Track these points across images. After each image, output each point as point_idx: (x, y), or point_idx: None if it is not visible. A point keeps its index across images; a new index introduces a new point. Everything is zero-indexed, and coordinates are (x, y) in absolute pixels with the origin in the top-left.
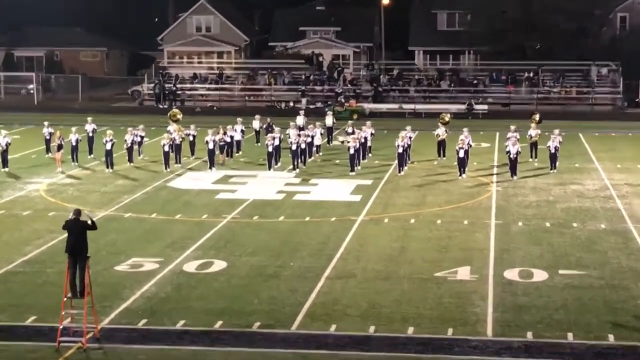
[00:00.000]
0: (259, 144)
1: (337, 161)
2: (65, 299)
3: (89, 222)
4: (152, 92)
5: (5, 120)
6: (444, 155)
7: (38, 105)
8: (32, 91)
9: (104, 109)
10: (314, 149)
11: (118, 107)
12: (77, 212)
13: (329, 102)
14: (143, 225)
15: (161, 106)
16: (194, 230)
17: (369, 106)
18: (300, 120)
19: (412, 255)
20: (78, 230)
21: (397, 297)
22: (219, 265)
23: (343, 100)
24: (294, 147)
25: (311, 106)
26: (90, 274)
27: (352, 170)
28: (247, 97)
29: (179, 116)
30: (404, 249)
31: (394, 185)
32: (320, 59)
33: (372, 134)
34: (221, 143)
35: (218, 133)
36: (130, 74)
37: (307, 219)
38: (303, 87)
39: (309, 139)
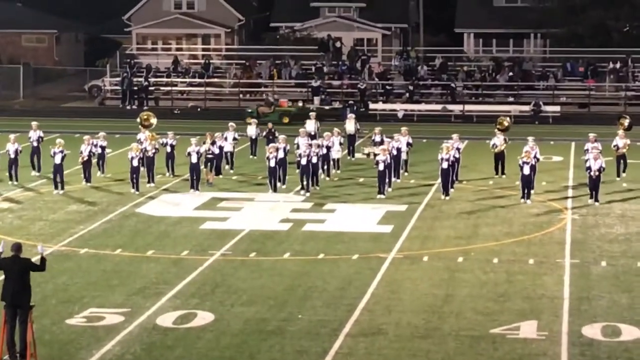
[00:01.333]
0: (256, 157)
1: (361, 180)
2: None
3: (36, 260)
4: (116, 88)
5: None
6: (502, 173)
7: None
8: None
9: (54, 110)
10: (331, 163)
11: (72, 108)
12: (17, 248)
13: (349, 102)
14: (104, 265)
15: (129, 107)
16: (171, 272)
17: (402, 107)
18: (311, 125)
19: (460, 305)
20: (18, 272)
21: None
22: (203, 318)
23: (271, 98)
24: (303, 161)
25: (327, 107)
26: (34, 329)
27: (381, 192)
28: (241, 95)
29: (153, 120)
30: (449, 297)
31: (437, 212)
32: (339, 44)
33: (408, 144)
34: (208, 155)
35: (204, 142)
36: (88, 65)
37: (321, 256)
38: (316, 82)
39: (324, 151)
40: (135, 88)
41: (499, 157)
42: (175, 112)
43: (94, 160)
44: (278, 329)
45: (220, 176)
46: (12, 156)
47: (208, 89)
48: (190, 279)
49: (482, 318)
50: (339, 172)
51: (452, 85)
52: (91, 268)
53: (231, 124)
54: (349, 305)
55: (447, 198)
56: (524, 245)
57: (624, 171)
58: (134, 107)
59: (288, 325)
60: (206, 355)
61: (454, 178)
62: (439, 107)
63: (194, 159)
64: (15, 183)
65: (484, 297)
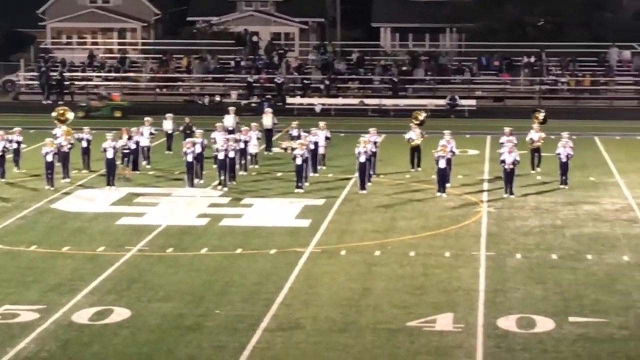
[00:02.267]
0: (172, 152)
1: (279, 174)
2: None
3: None
4: (31, 82)
5: None
6: (418, 166)
7: None
8: None
9: None
10: (248, 158)
11: None
12: None
13: (267, 96)
14: (18, 262)
15: (44, 102)
16: (87, 268)
17: (319, 101)
18: (229, 120)
19: (378, 299)
20: None
21: (358, 354)
22: (120, 314)
23: (103, 92)
24: (220, 155)
25: (244, 102)
26: None
27: (299, 186)
28: (158, 90)
29: (68, 115)
30: (366, 290)
31: (354, 206)
32: (256, 38)
33: (326, 138)
34: (124, 151)
35: (120, 138)
36: (2, 59)
37: (239, 251)
38: (252, 77)
39: (241, 145)
40: (52, 83)
41: (415, 151)
42: None
43: (9, 156)
44: (195, 325)
45: (137, 172)
46: None
47: (124, 83)
48: (106, 275)
49: (399, 311)
50: (256, 166)
51: (370, 78)
52: (5, 265)
53: (147, 118)
54: (266, 300)
55: (365, 192)
56: (441, 239)
57: (538, 165)
58: (49, 102)
59: (205, 320)
60: (123, 352)
61: (371, 172)
62: (356, 101)
63: (110, 155)
64: None
65: (401, 291)
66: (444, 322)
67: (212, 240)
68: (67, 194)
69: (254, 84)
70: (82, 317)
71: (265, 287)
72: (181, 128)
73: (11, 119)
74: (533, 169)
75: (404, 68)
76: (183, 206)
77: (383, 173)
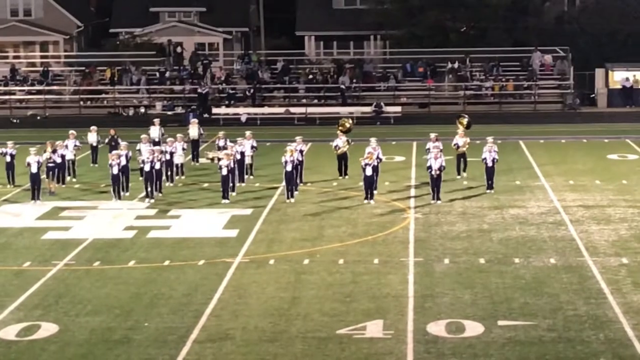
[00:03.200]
0: (97, 165)
1: (205, 185)
2: None
3: None
4: None
5: None
6: (345, 174)
7: None
8: None
9: None
10: (174, 169)
11: None
12: None
13: (192, 107)
14: None
15: None
16: (13, 284)
17: (245, 111)
18: (154, 131)
19: (307, 307)
20: None
21: None
22: (47, 329)
23: None
24: (146, 167)
25: (169, 112)
26: None
27: (226, 197)
28: (82, 102)
29: None
30: (296, 299)
31: (282, 215)
32: (179, 49)
33: (252, 147)
34: (49, 164)
35: (45, 151)
36: None
37: (167, 262)
38: (203, 89)
39: (167, 157)
40: None
41: (342, 159)
42: (14, 121)
43: None
44: (124, 338)
45: (63, 185)
46: None
47: (48, 96)
48: (33, 290)
49: (329, 319)
50: (183, 177)
51: (295, 87)
52: None
53: (72, 131)
54: (195, 311)
55: (292, 201)
56: (369, 246)
57: (464, 169)
58: None
59: (134, 333)
60: None
61: (298, 181)
62: (281, 110)
63: (34, 169)
64: None
65: (330, 298)
66: (374, 329)
67: (140, 252)
68: None
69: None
70: (9, 333)
71: (194, 298)
72: (106, 140)
73: None
74: (459, 174)
75: (330, 76)
76: (109, 219)
77: (310, 181)
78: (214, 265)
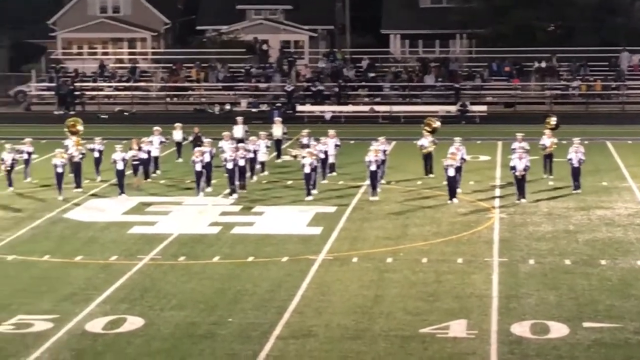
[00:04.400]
0: (182, 160)
1: (289, 182)
2: None
3: None
4: (42, 93)
5: None
6: (430, 173)
7: None
8: None
9: None
10: (258, 167)
11: None
12: None
13: (277, 104)
14: (31, 271)
15: (56, 112)
16: (100, 277)
17: (329, 109)
18: (238, 130)
19: (390, 305)
20: None
21: None
22: (133, 323)
23: None
24: (229, 165)
25: (254, 109)
26: None
27: (309, 194)
28: (168, 99)
29: (79, 127)
30: (379, 297)
31: (365, 214)
32: (265, 47)
33: (336, 146)
34: (134, 162)
35: (130, 148)
36: (13, 70)
37: (251, 259)
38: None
39: (250, 155)
40: (63, 93)
41: (428, 158)
42: (102, 117)
43: (20, 167)
44: (208, 333)
45: (149, 180)
46: None
47: (135, 93)
48: (119, 284)
49: (412, 318)
50: (266, 174)
51: (380, 85)
52: (19, 275)
53: (156, 128)
54: (279, 307)
55: (376, 198)
56: (453, 245)
57: (550, 170)
58: (61, 112)
59: (218, 328)
60: (137, 359)
61: (380, 180)
62: (366, 108)
63: (120, 166)
64: None
65: (414, 297)
66: (457, 328)
67: (224, 248)
68: (78, 204)
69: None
70: (96, 326)
71: (278, 294)
72: (190, 138)
73: (23, 130)
74: (545, 174)
75: (415, 74)
76: (195, 215)
77: (394, 180)
78: (298, 262)
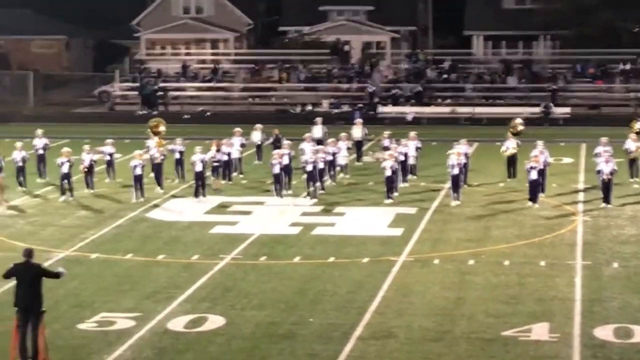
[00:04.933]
0: (262, 162)
1: (370, 183)
2: None
3: (46, 266)
4: (126, 93)
5: None
6: (514, 176)
7: None
8: None
9: (63, 116)
10: (337, 169)
11: (81, 114)
12: (28, 254)
13: (358, 105)
14: (114, 270)
15: (139, 112)
16: (182, 276)
17: (411, 110)
18: (317, 130)
19: (472, 308)
20: (30, 278)
21: None
22: (214, 322)
23: None
24: (309, 167)
25: (335, 110)
26: (46, 334)
27: (389, 197)
28: (251, 99)
29: (162, 127)
30: (460, 300)
31: (447, 216)
32: (347, 47)
33: (417, 148)
34: (214, 163)
35: (210, 150)
36: (98, 70)
37: (331, 259)
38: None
39: (330, 158)
40: (146, 93)
41: (511, 161)
42: (184, 117)
43: (101, 167)
44: (289, 333)
45: (229, 182)
46: (20, 164)
47: (217, 93)
48: (200, 283)
49: (494, 320)
50: (347, 177)
51: (462, 86)
52: (102, 273)
53: (237, 129)
54: (359, 308)
55: (458, 203)
56: (535, 247)
57: (636, 174)
58: (144, 112)
59: (299, 328)
60: (218, 358)
61: (463, 183)
62: (448, 109)
63: (199, 168)
64: (24, 189)
65: (495, 300)
66: (540, 331)
67: (305, 248)
68: (157, 205)
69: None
70: (178, 324)
71: (359, 295)
72: (270, 140)
73: (107, 129)
74: (631, 178)
75: (498, 76)
76: (275, 215)
77: (476, 182)
78: (379, 263)
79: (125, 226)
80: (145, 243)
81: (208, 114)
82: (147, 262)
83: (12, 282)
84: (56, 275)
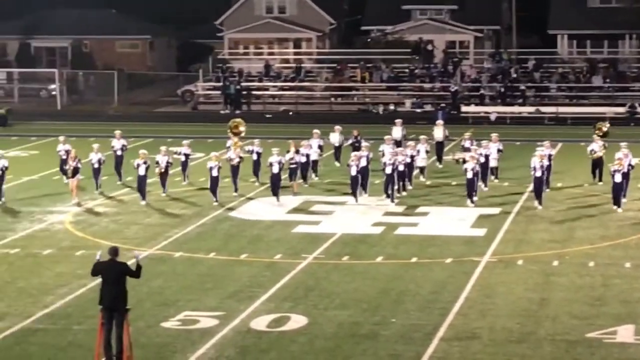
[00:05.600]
0: (340, 164)
1: (454, 182)
2: None
3: (132, 263)
4: (209, 92)
5: (20, 131)
6: (600, 179)
7: (62, 111)
8: (54, 92)
9: (147, 115)
10: (416, 171)
11: (165, 113)
12: (113, 252)
13: (441, 105)
14: (198, 268)
15: (223, 112)
16: (265, 275)
17: (494, 109)
18: (396, 131)
19: (556, 309)
20: (115, 276)
21: None
22: (297, 321)
23: None
24: (388, 170)
25: (418, 110)
26: (130, 332)
27: (471, 200)
28: (332, 99)
29: (242, 128)
30: (544, 301)
31: (530, 216)
32: (430, 47)
33: (498, 150)
34: (291, 165)
35: (287, 151)
36: (181, 70)
37: (414, 260)
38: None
39: (408, 160)
40: (231, 92)
41: (597, 163)
42: (267, 116)
43: (175, 170)
44: (371, 333)
45: (306, 185)
46: (96, 166)
47: (299, 92)
48: (283, 282)
49: (578, 322)
50: (424, 179)
51: (546, 86)
52: (186, 271)
53: (315, 131)
54: (442, 309)
55: (541, 207)
56: (621, 249)
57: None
58: (227, 111)
59: (381, 329)
60: (300, 358)
61: (546, 186)
62: (532, 109)
63: (276, 169)
64: (100, 191)
65: (580, 301)
66: (625, 333)
67: (388, 248)
68: (232, 208)
69: (429, 93)
70: (260, 324)
71: (441, 296)
72: (350, 141)
73: (190, 129)
74: (595, 179)
75: (582, 75)
76: (358, 215)
77: (560, 183)
78: (462, 264)
79: (209, 225)
80: (228, 242)
81: (291, 113)
82: (230, 261)
83: (97, 280)
84: (139, 275)
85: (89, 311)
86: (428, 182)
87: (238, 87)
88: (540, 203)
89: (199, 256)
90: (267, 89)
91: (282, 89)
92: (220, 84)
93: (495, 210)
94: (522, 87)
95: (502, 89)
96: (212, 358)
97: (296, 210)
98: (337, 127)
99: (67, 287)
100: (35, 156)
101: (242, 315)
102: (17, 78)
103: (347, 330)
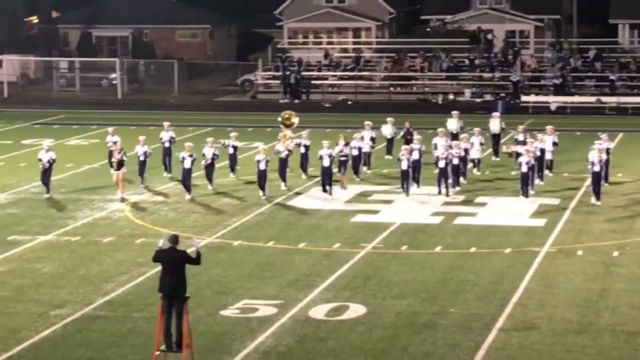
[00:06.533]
0: (392, 156)
1: (512, 173)
2: (157, 352)
3: (191, 252)
4: (268, 82)
5: (81, 119)
6: None
7: (122, 100)
8: (114, 82)
9: (207, 104)
10: (470, 165)
11: (224, 102)
12: (174, 240)
13: (501, 95)
14: (257, 257)
15: (282, 101)
16: (323, 264)
17: (555, 99)
18: (452, 123)
19: (616, 300)
20: (175, 264)
21: (595, 356)
22: (355, 310)
23: None
24: (441, 164)
25: (477, 100)
26: (190, 320)
27: (526, 195)
28: (391, 88)
29: (294, 119)
30: (604, 291)
31: (590, 207)
32: (490, 36)
33: (554, 143)
34: (341, 158)
35: (337, 144)
36: (241, 59)
37: (473, 249)
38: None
39: (462, 153)
40: (289, 82)
41: None
42: (326, 105)
43: (222, 163)
44: (430, 322)
45: (357, 178)
46: (142, 159)
47: (358, 82)
48: (341, 271)
49: (638, 313)
50: (478, 173)
51: (610, 77)
52: (244, 260)
53: (367, 122)
54: (501, 299)
55: (599, 203)
56: None
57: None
58: (286, 100)
59: (440, 318)
60: (359, 348)
61: (604, 180)
62: (593, 99)
63: (326, 163)
64: (146, 185)
65: None
66: None
67: (446, 238)
68: (279, 204)
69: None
70: (319, 312)
71: (500, 286)
72: (401, 133)
73: (249, 118)
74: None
75: None
76: (417, 204)
77: (620, 174)
78: (521, 254)
79: (268, 214)
80: (287, 230)
81: (350, 102)
82: (289, 249)
83: (157, 268)
84: (199, 262)
85: (149, 299)
86: (486, 173)
87: (298, 76)
88: (598, 199)
89: (258, 245)
90: (326, 79)
91: (341, 78)
92: (280, 73)
93: (555, 201)
94: (583, 76)
95: (562, 79)
96: (271, 346)
97: (355, 199)
98: (390, 119)
99: (127, 275)
100: (96, 145)
101: (300, 304)
102: (79, 67)
103: (406, 320)
